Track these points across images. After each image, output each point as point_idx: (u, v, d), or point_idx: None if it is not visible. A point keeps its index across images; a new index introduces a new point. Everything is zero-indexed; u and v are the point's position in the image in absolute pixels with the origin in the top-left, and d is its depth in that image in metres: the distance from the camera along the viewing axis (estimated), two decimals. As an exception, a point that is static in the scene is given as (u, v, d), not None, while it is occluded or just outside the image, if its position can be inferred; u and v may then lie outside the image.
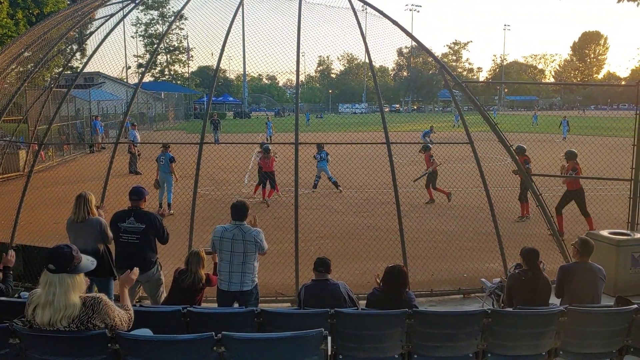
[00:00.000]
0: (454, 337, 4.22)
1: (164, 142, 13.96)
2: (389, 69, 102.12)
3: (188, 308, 4.38)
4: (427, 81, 79.98)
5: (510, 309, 4.63)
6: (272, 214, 11.73)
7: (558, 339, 4.33)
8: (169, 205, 13.25)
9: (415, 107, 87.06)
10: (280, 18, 8.87)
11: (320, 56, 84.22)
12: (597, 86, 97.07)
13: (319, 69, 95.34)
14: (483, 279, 7.50)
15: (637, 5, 5.66)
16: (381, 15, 8.70)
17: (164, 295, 6.32)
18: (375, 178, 12.04)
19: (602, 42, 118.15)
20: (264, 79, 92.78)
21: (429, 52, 10.04)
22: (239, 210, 6.03)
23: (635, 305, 4.33)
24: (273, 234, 10.07)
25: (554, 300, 5.39)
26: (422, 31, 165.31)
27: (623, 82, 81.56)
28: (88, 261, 3.49)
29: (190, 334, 3.51)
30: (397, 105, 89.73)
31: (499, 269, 8.28)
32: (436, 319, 4.28)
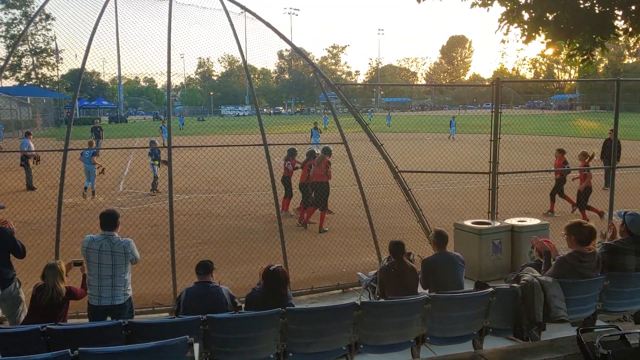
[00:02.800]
0: (327, 332, 4.31)
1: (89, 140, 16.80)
2: (271, 71, 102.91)
3: (48, 326, 4.07)
4: (309, 84, 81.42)
5: (378, 300, 4.82)
6: (149, 221, 11.28)
7: (424, 326, 4.57)
8: (92, 192, 15.88)
9: (299, 110, 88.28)
10: (153, 19, 8.56)
11: (200, 58, 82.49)
12: (464, 86, 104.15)
13: (199, 70, 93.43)
14: (359, 273, 7.77)
15: (487, 10, 6.11)
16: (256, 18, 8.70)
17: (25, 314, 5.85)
18: (257, 180, 12.02)
19: (467, 45, 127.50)
20: (142, 82, 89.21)
21: (302, 55, 10.19)
22: (108, 219, 5.72)
23: (491, 289, 4.68)
24: (149, 243, 9.70)
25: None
26: (301, 35, 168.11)
27: (487, 83, 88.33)
28: None
29: (44, 354, 3.25)
30: (281, 108, 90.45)
31: (375, 262, 8.62)
32: (308, 315, 4.34)
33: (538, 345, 4.66)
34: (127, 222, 10.58)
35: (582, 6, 5.56)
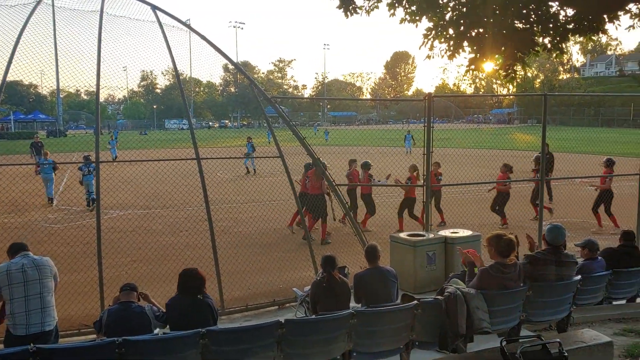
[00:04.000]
0: (251, 352, 4.19)
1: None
2: (217, 84, 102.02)
3: None
4: (255, 97, 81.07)
5: (302, 317, 4.74)
6: (81, 238, 10.83)
7: (350, 341, 4.52)
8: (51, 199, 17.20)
9: (245, 123, 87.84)
10: (89, 30, 8.33)
11: (143, 71, 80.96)
12: (397, 101, 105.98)
13: (142, 83, 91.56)
14: (295, 289, 7.67)
15: (416, 26, 6.20)
16: (195, 32, 8.56)
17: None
18: (196, 195, 11.78)
19: (410, 61, 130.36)
20: (83, 95, 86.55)
21: (238, 68, 10.10)
22: (18, 245, 5.56)
23: (416, 301, 4.68)
24: (81, 262, 9.35)
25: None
26: (247, 48, 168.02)
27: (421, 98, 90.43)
28: None
29: None
30: (227, 121, 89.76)
31: (312, 277, 8.54)
32: (230, 335, 4.20)
33: (463, 357, 4.70)
34: (59, 241, 10.14)
35: (504, 23, 5.70)
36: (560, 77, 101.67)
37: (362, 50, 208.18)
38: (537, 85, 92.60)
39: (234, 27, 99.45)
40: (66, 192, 18.81)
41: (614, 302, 7.26)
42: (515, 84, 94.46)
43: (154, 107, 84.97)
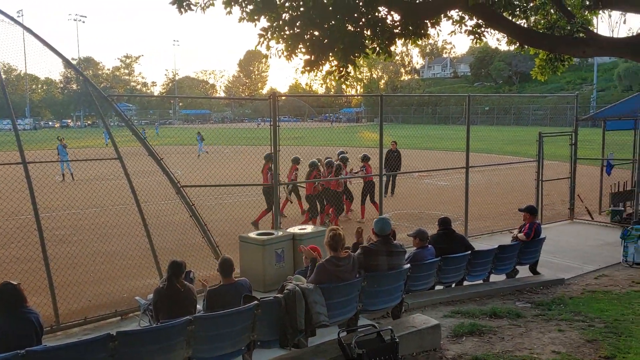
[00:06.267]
0: (79, 371, 3.89)
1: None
2: (57, 81, 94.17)
3: None
4: (99, 95, 76.31)
5: (146, 326, 4.52)
6: None
7: (190, 348, 4.39)
8: None
9: (90, 122, 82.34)
10: None
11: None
12: (243, 100, 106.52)
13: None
14: (137, 297, 7.30)
15: (255, 26, 6.20)
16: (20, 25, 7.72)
17: None
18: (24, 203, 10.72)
19: (264, 60, 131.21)
20: None
21: (69, 64, 9.36)
22: None
23: (256, 302, 4.68)
24: None
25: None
26: (91, 43, 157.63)
27: (284, 97, 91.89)
28: None
29: None
30: (69, 120, 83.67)
31: (157, 284, 8.19)
32: (55, 354, 3.86)
33: (303, 352, 4.79)
34: None
35: (335, 25, 5.90)
36: (402, 78, 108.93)
37: (215, 48, 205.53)
38: (381, 86, 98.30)
39: (74, 20, 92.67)
40: None
41: (444, 286, 7.93)
42: (362, 85, 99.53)
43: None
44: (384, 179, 14.64)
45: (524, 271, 8.99)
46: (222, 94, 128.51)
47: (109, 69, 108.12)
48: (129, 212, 11.97)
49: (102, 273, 9.23)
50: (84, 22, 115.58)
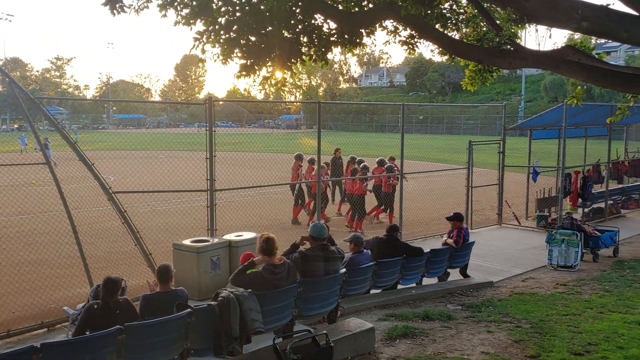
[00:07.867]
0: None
1: None
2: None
3: None
4: (27, 97, 72.89)
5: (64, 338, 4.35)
6: None
7: (120, 358, 4.27)
8: None
9: (17, 126, 78.39)
10: None
11: None
12: (181, 104, 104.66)
13: None
14: (65, 307, 7.01)
15: (191, 29, 6.11)
16: None
17: None
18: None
19: (201, 64, 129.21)
20: None
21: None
22: None
23: (189, 310, 4.61)
24: None
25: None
26: (18, 43, 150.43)
27: (221, 102, 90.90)
28: None
29: None
30: (-6, 123, 79.54)
31: (87, 294, 7.91)
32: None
33: None
34: None
35: (272, 31, 5.91)
36: (341, 87, 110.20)
37: (151, 51, 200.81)
38: (320, 94, 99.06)
39: (0, 18, 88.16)
40: None
41: (379, 290, 8.08)
42: (301, 92, 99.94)
43: None
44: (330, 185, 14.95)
45: (454, 274, 9.30)
46: (158, 98, 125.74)
47: (38, 71, 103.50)
48: (58, 219, 11.51)
49: (27, 283, 8.79)
50: (10, 21, 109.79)
